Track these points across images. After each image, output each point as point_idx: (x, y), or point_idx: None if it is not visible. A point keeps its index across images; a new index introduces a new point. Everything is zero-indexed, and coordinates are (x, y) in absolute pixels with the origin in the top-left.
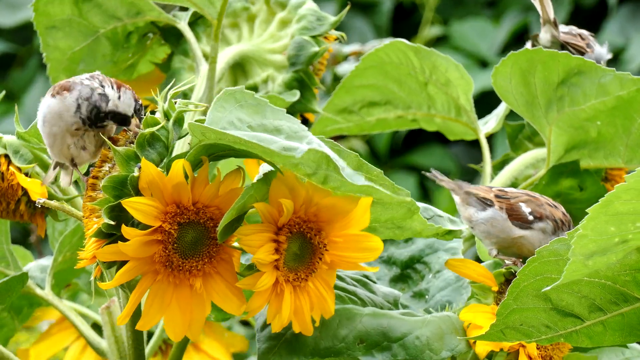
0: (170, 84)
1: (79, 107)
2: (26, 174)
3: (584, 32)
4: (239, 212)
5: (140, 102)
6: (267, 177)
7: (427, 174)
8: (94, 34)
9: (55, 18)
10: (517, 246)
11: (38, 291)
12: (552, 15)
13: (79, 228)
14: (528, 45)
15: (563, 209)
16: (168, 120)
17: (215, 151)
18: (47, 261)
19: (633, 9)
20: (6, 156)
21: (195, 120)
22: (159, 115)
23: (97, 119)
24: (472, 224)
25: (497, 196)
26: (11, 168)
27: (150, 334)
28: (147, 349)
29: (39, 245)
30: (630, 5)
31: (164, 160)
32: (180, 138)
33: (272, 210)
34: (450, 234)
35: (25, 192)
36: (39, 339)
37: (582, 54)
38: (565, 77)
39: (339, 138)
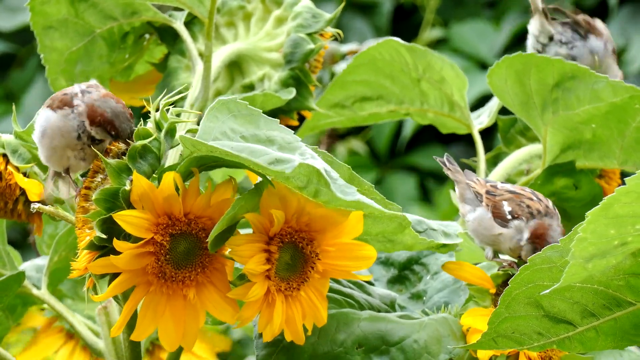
0: (163, 93)
1: (79, 136)
2: (24, 174)
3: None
4: (229, 223)
5: (107, 134)
6: (258, 188)
7: (438, 158)
8: (90, 34)
9: (51, 18)
10: (496, 243)
11: (34, 291)
12: (540, 5)
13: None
14: (529, 41)
15: (548, 203)
16: (160, 131)
17: (206, 162)
18: (42, 261)
19: (633, 10)
20: (4, 155)
21: (188, 131)
22: (150, 126)
23: (96, 141)
24: (465, 222)
25: (487, 192)
26: (9, 167)
27: None
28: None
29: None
30: (630, 6)
31: (156, 171)
32: (172, 147)
33: (263, 220)
34: (444, 248)
35: (23, 192)
36: (27, 346)
37: (590, 33)
38: (560, 81)
39: (338, 138)
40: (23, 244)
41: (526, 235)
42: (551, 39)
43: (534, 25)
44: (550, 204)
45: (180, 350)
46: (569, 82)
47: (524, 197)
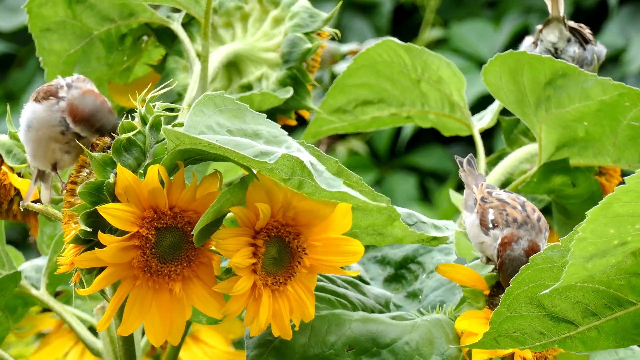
0: (147, 87)
1: (63, 132)
2: (19, 174)
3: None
4: (215, 216)
5: (90, 129)
6: (244, 181)
7: (458, 158)
8: (87, 36)
9: (49, 20)
10: (482, 250)
11: (33, 291)
12: (562, 12)
13: None
14: (526, 42)
15: (530, 213)
16: (145, 124)
17: (191, 155)
18: (41, 261)
19: (633, 10)
20: None
21: (175, 125)
22: (136, 120)
23: (81, 137)
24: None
25: (481, 198)
26: (3, 168)
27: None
28: (142, 345)
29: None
30: (630, 6)
31: (143, 165)
32: (158, 142)
33: (249, 213)
34: (435, 240)
35: (18, 192)
36: (39, 348)
37: (588, 42)
38: (552, 78)
39: (338, 138)
40: (23, 244)
41: (497, 243)
42: (568, 40)
43: (551, 33)
44: (535, 214)
45: (177, 346)
46: (560, 80)
47: (508, 205)
